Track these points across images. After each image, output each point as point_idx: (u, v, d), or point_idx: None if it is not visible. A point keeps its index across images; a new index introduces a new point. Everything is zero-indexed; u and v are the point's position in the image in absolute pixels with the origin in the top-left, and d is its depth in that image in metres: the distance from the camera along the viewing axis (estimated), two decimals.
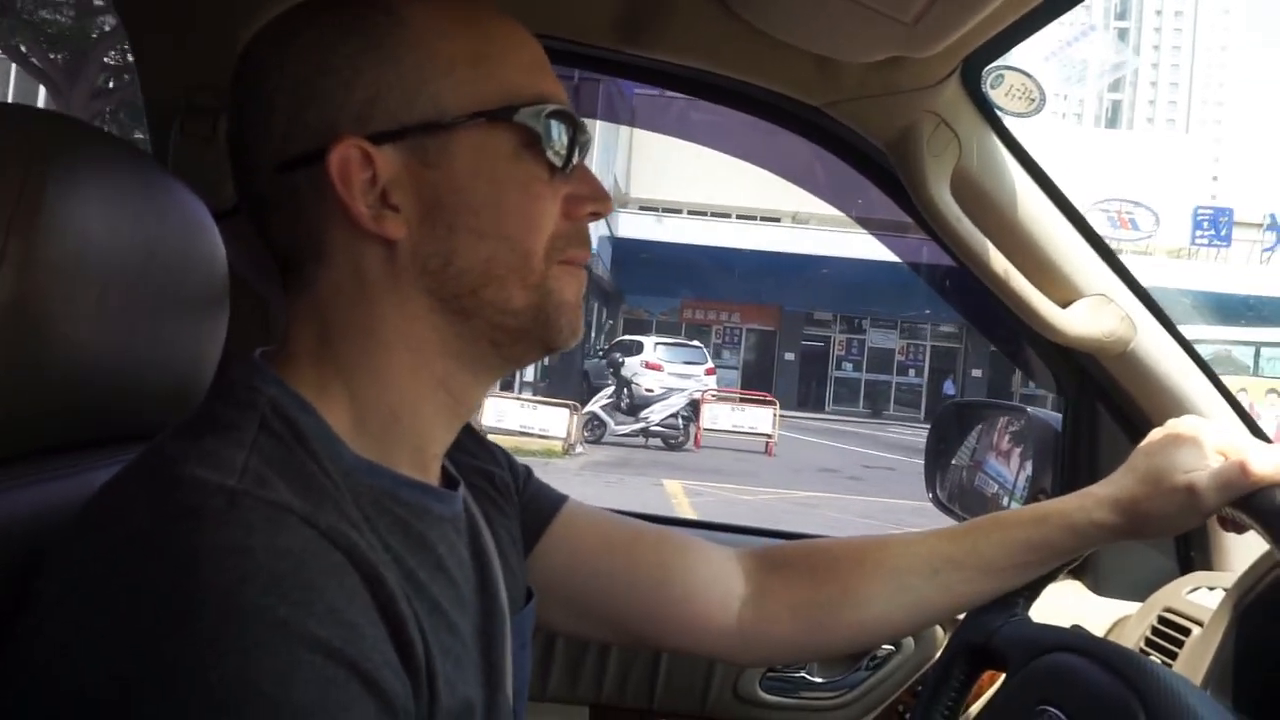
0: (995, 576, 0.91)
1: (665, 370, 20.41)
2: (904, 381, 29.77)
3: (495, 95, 0.66)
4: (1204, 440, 0.85)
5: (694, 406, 15.36)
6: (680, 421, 14.73)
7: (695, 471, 12.29)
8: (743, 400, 17.22)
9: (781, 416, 16.49)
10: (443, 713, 0.61)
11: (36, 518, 0.64)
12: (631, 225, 26.19)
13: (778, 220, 27.66)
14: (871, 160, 1.29)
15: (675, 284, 27.60)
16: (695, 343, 24.11)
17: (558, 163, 0.68)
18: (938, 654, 1.37)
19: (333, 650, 0.52)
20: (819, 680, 1.45)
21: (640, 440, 14.62)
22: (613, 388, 15.49)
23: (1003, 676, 0.91)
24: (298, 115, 0.65)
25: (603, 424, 14.57)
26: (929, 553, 0.91)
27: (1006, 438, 1.51)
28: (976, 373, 28.70)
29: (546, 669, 1.39)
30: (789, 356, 29.15)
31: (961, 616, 0.97)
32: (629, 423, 14.81)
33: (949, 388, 28.59)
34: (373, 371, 0.67)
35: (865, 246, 22.95)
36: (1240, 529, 0.84)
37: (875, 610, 0.92)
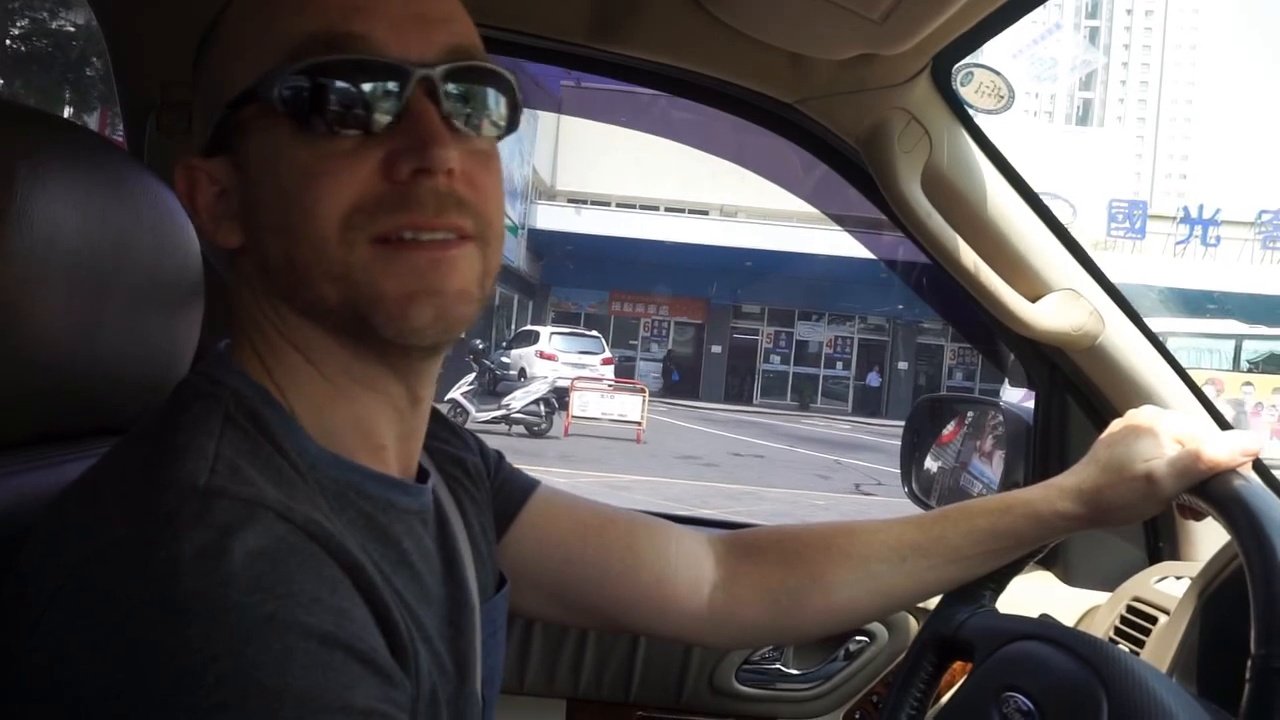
0: (961, 564, 0.92)
1: (560, 360, 20.42)
2: (831, 374, 29.80)
3: (268, 63, 0.60)
4: (1161, 429, 0.87)
5: (562, 394, 15.19)
6: (542, 408, 14.44)
7: (541, 458, 11.98)
8: (613, 388, 17.16)
9: (697, 408, 16.32)
10: (421, 698, 0.62)
11: (12, 510, 0.64)
12: (550, 217, 25.96)
13: (706, 213, 27.61)
14: (844, 157, 1.29)
15: (603, 276, 27.37)
16: (593, 333, 24.08)
17: (354, 128, 0.59)
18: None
19: (325, 635, 0.52)
20: (794, 672, 1.46)
21: (503, 428, 14.23)
22: (474, 374, 15.12)
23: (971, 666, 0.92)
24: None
25: (465, 411, 13.96)
26: (896, 541, 0.93)
27: (978, 431, 1.53)
28: (902, 365, 28.85)
29: (523, 663, 1.39)
30: (716, 349, 29.12)
31: (932, 608, 0.98)
32: (491, 410, 14.48)
33: (874, 379, 28.69)
34: (287, 369, 0.66)
35: (793, 240, 22.97)
36: (1198, 516, 0.87)
37: (843, 596, 0.93)
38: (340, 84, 0.58)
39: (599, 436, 14.86)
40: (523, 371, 18.37)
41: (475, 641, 0.73)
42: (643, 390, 16.59)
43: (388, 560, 0.65)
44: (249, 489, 0.55)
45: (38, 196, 0.63)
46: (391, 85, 0.59)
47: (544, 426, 14.44)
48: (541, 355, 20.92)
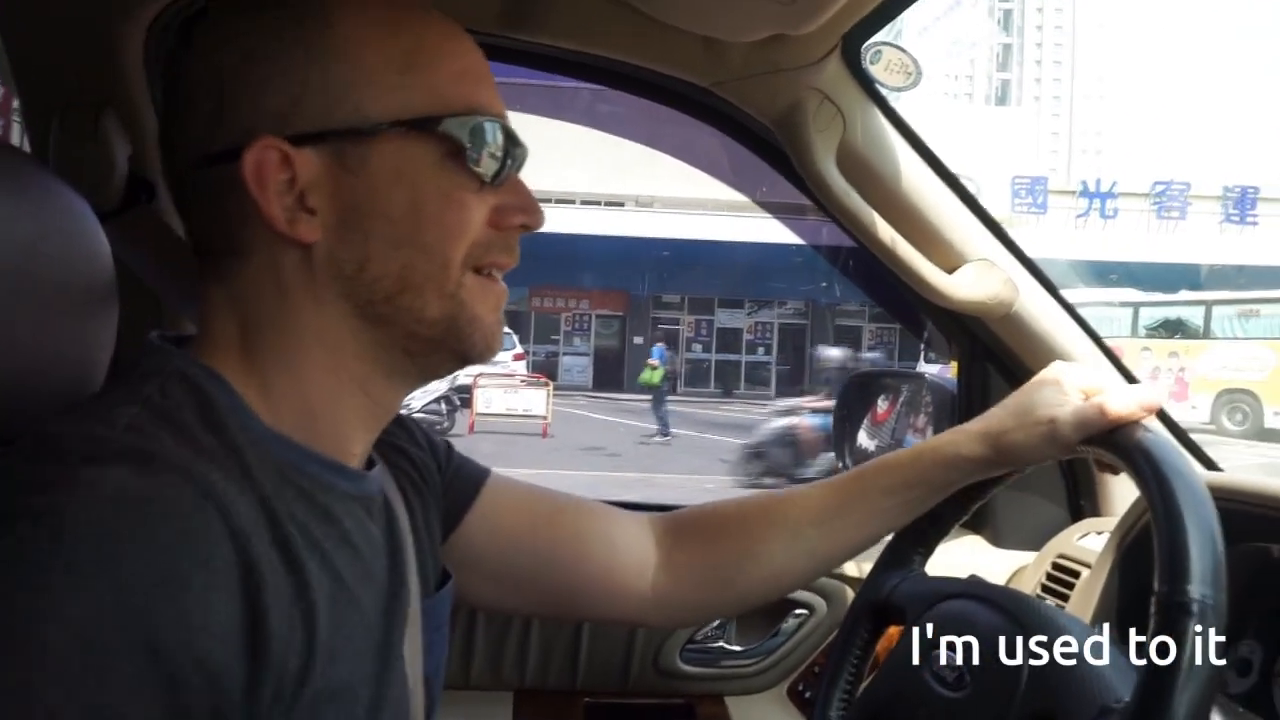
0: (882, 517, 0.96)
1: None
2: (754, 360, 29.93)
3: (421, 104, 0.66)
4: (1067, 381, 0.91)
5: (465, 392, 14.99)
6: (444, 406, 14.21)
7: None
8: (519, 383, 16.87)
9: (619, 400, 16.07)
10: (312, 693, 0.59)
11: None
12: None
13: (622, 204, 27.60)
14: (761, 139, 1.31)
15: (522, 273, 27.10)
16: (504, 329, 24.07)
17: (486, 174, 0.68)
18: None
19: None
20: (737, 648, 1.48)
21: None
22: None
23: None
24: (220, 110, 0.65)
25: None
26: (819, 505, 0.96)
27: (907, 404, 1.57)
28: (822, 347, 29.27)
29: (468, 658, 1.39)
30: (638, 341, 28.94)
31: (864, 577, 1.01)
32: None
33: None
34: (291, 369, 0.67)
35: (709, 228, 23.02)
36: (1115, 470, 0.90)
37: (775, 564, 0.96)
38: (496, 137, 0.68)
39: (504, 433, 14.67)
40: None
41: (404, 635, 0.73)
42: (547, 384, 16.40)
43: (330, 537, 0.65)
44: (148, 442, 0.56)
45: None
46: (519, 153, 0.70)
47: (446, 425, 14.11)
48: None
